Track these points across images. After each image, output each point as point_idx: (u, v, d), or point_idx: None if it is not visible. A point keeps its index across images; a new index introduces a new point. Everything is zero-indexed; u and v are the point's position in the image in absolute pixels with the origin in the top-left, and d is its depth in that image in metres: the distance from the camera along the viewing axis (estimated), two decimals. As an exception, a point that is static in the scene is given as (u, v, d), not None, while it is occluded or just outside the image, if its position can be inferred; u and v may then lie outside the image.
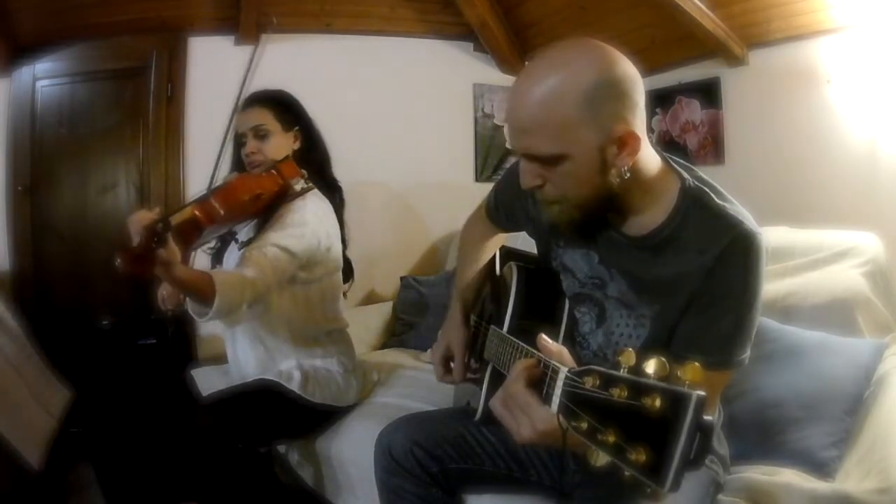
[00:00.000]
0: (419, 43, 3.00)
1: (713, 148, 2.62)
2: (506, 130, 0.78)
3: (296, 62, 2.68)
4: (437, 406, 1.62)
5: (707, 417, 0.53)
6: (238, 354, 1.75)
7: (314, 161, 1.71)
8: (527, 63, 0.97)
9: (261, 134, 1.64)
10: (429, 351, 2.36)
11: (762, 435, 1.38)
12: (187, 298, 1.43)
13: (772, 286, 1.64)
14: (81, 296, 2.58)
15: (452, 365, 1.32)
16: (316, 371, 1.69)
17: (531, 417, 0.77)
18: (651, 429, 0.55)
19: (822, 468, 1.30)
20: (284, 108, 1.69)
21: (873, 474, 1.19)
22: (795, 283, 1.65)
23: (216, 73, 2.62)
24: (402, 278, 2.74)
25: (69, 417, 2.05)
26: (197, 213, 1.36)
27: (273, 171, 1.56)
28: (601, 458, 0.60)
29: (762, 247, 0.94)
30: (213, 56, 2.64)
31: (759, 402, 1.41)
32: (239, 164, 1.73)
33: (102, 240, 2.57)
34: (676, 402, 0.54)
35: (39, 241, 2.56)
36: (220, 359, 2.04)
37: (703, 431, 0.53)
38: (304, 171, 1.59)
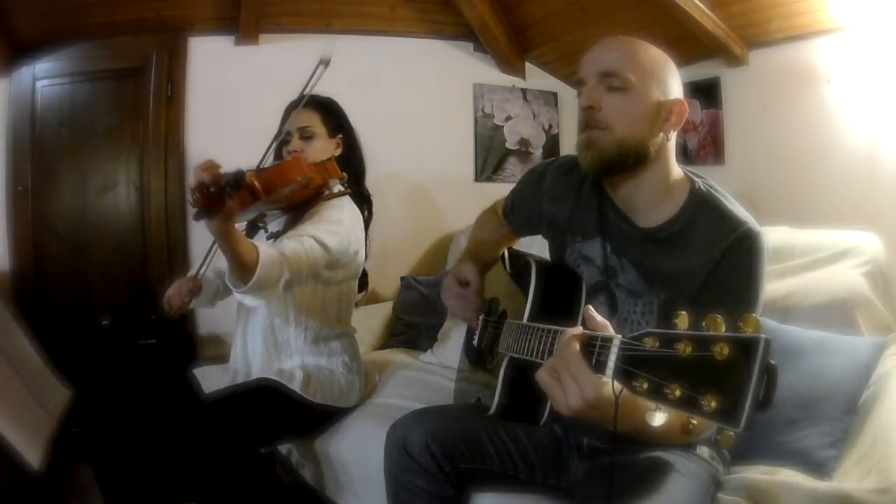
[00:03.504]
0: (419, 43, 3.00)
1: (713, 148, 2.62)
2: (584, 67, 0.89)
3: (296, 62, 2.68)
4: (436, 406, 1.62)
5: (773, 361, 0.57)
6: (247, 348, 1.75)
7: (352, 170, 1.74)
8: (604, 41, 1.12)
9: (306, 135, 1.70)
10: (429, 351, 2.36)
11: (760, 435, 1.37)
12: (227, 273, 1.39)
13: (772, 286, 1.63)
14: (81, 296, 2.57)
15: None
16: (319, 371, 1.69)
17: (581, 385, 0.75)
18: (720, 376, 0.58)
19: (818, 468, 1.30)
20: (332, 114, 1.75)
21: (873, 474, 1.19)
22: (795, 283, 1.65)
23: (216, 73, 2.62)
24: (402, 278, 2.74)
25: (69, 417, 2.04)
26: (255, 182, 1.33)
27: (320, 166, 1.59)
28: (658, 418, 0.63)
29: (765, 246, 1.03)
30: (213, 56, 2.64)
31: (758, 401, 1.41)
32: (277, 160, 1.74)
33: (102, 240, 2.58)
34: (746, 346, 0.57)
35: (39, 241, 2.55)
36: (220, 359, 2.04)
37: (770, 374, 0.56)
38: (344, 174, 1.63)
